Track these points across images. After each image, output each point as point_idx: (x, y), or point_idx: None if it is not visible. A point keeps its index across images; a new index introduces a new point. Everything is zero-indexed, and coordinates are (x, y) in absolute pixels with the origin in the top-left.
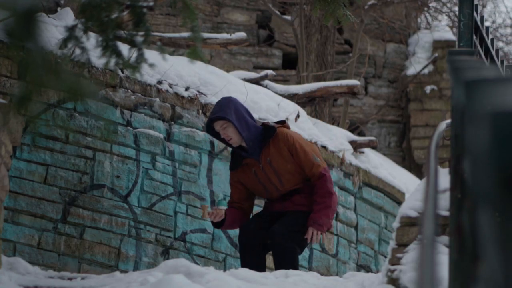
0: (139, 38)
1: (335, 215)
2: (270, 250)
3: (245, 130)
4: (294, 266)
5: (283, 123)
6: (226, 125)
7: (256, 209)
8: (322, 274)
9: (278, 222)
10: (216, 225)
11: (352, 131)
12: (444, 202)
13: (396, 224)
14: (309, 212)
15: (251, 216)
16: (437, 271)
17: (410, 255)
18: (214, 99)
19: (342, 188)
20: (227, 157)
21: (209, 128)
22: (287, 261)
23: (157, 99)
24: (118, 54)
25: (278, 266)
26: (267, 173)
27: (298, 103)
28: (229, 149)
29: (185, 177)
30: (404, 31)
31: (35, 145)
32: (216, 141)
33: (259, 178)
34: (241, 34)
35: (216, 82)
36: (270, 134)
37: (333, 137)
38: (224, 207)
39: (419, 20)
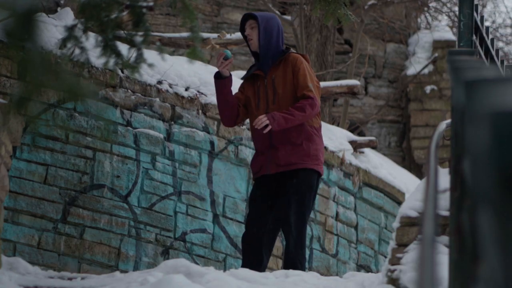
0: (138, 38)
1: (335, 215)
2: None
3: (265, 40)
4: (303, 246)
5: (288, 51)
6: (254, 26)
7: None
8: (322, 274)
9: (280, 205)
10: (219, 75)
11: (352, 131)
12: (444, 202)
13: (396, 224)
14: (300, 170)
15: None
16: (437, 271)
17: (410, 255)
18: (214, 99)
19: (342, 188)
20: (227, 157)
21: (242, 26)
22: (298, 254)
23: (157, 99)
24: (118, 54)
25: (287, 254)
26: (267, 89)
27: None
28: (229, 148)
29: (185, 177)
30: (404, 31)
31: (35, 145)
32: (216, 141)
33: (259, 91)
34: (241, 34)
35: None
36: (283, 53)
37: (333, 137)
38: (229, 56)
39: (419, 20)
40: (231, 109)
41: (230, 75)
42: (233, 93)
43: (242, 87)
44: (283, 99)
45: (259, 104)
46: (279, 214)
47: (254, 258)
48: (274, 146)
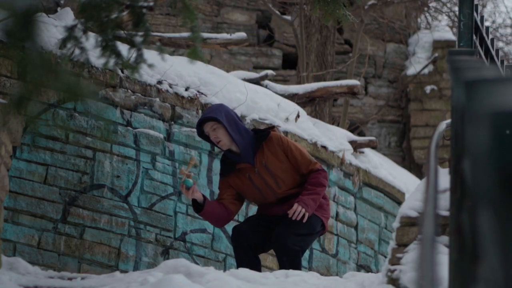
0: (138, 38)
1: (335, 215)
2: (264, 251)
3: (236, 133)
4: (299, 268)
5: (272, 128)
6: (216, 127)
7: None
8: (322, 274)
9: (282, 224)
10: (196, 206)
11: (352, 131)
12: (444, 202)
13: (396, 224)
14: (311, 215)
15: (240, 219)
16: (437, 271)
17: (410, 255)
18: (214, 99)
19: (342, 188)
20: None
21: (200, 132)
22: (294, 263)
23: (157, 99)
24: (118, 54)
25: (283, 267)
26: (263, 176)
27: (298, 103)
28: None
29: None
30: (404, 31)
31: (35, 145)
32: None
33: (254, 183)
34: (241, 34)
35: (216, 82)
36: (263, 137)
37: (333, 137)
38: (189, 185)
39: (419, 20)
40: (222, 220)
41: (204, 197)
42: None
43: (227, 184)
44: (287, 180)
45: (263, 194)
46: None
47: (247, 260)
48: (283, 206)
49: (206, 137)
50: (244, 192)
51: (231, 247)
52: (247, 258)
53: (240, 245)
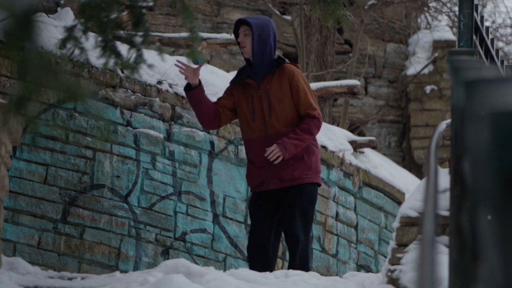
0: (138, 39)
1: (335, 215)
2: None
3: (259, 48)
4: (308, 258)
5: (294, 62)
6: (247, 33)
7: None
8: (322, 274)
9: (289, 215)
10: (188, 86)
11: (352, 131)
12: (444, 202)
13: (396, 224)
14: (299, 185)
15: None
16: (437, 271)
17: (410, 255)
18: (214, 99)
19: (342, 188)
20: (227, 157)
21: (236, 31)
22: (305, 266)
23: (157, 99)
24: (117, 54)
25: (293, 267)
26: (262, 100)
27: None
28: (229, 148)
29: (185, 177)
30: (404, 31)
31: (35, 145)
32: (216, 141)
33: (254, 102)
34: None
35: (216, 82)
36: (279, 64)
37: (333, 137)
38: (199, 62)
39: (419, 20)
40: (208, 116)
41: (200, 83)
42: (218, 96)
43: (230, 92)
44: (280, 113)
45: (255, 116)
46: (284, 228)
47: (263, 265)
48: (273, 166)
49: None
50: (240, 106)
51: (231, 247)
52: (261, 263)
53: (257, 254)
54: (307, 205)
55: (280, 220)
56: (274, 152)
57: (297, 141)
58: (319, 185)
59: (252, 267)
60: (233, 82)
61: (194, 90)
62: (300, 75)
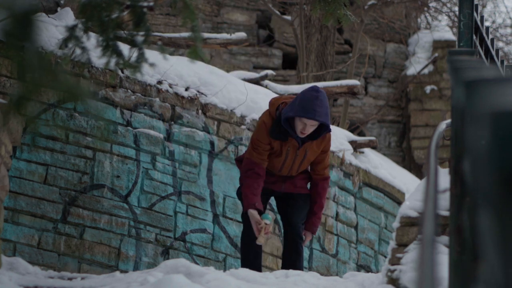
0: (139, 38)
1: (335, 215)
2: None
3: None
4: (302, 268)
5: (329, 131)
6: (314, 125)
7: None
8: (322, 274)
9: (293, 212)
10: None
11: (352, 131)
12: (444, 202)
13: (396, 224)
14: (308, 195)
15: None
16: (437, 271)
17: (410, 255)
18: (214, 99)
19: (342, 188)
20: (227, 157)
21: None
22: (300, 264)
23: (157, 99)
24: (119, 54)
25: (289, 266)
26: (297, 157)
27: None
28: (229, 148)
29: (185, 177)
30: (404, 31)
31: (35, 145)
32: (216, 141)
33: (288, 155)
34: (241, 34)
35: (216, 82)
36: (323, 133)
37: (333, 137)
38: (268, 221)
39: (419, 20)
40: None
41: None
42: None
43: (269, 145)
44: (304, 166)
45: (285, 163)
46: (291, 227)
47: (257, 261)
48: (288, 181)
49: (284, 122)
50: (273, 156)
51: (231, 247)
52: (256, 259)
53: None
54: (307, 206)
55: (286, 219)
56: (308, 240)
57: (321, 215)
58: None
59: (246, 264)
60: (272, 136)
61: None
62: (330, 143)
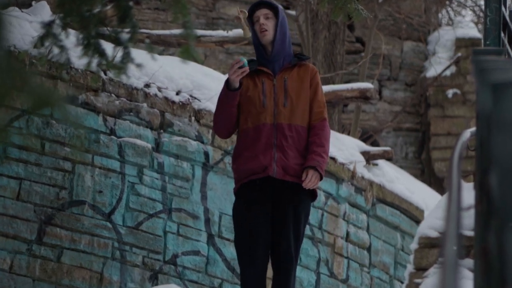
0: (124, 36)
1: (345, 235)
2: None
3: (281, 34)
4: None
5: (308, 58)
6: (270, 16)
7: None
8: None
9: (284, 235)
10: (231, 86)
11: (364, 140)
12: (468, 220)
13: (414, 245)
14: (305, 202)
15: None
16: None
17: (430, 280)
18: (208, 105)
19: (353, 205)
20: (223, 170)
21: (251, 12)
22: (291, 284)
23: (145, 105)
24: (101, 53)
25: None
26: (277, 89)
27: None
28: (226, 159)
29: (176, 192)
30: (423, 28)
31: (6, 156)
32: (211, 152)
33: (264, 88)
34: (239, 31)
35: (211, 85)
36: (302, 59)
37: (343, 148)
38: (245, 65)
39: (440, 15)
40: (232, 122)
41: (240, 85)
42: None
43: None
44: (296, 106)
45: (265, 103)
46: (277, 245)
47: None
48: (280, 147)
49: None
50: (248, 95)
51: (228, 271)
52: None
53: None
54: (302, 222)
55: (272, 234)
56: (312, 180)
57: (324, 155)
58: (315, 198)
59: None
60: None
61: (237, 91)
62: (318, 76)
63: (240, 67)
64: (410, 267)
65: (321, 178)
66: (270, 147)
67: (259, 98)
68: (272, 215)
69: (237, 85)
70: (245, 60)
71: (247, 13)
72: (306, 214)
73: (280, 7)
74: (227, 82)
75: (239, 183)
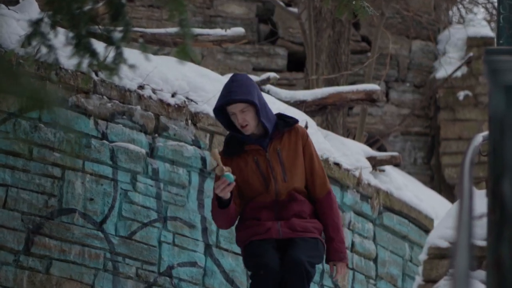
0: (117, 34)
1: (350, 246)
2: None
3: (265, 117)
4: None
5: (296, 120)
6: (247, 110)
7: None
8: None
9: (294, 248)
10: (222, 203)
11: (370, 145)
12: (481, 230)
13: (423, 256)
14: (316, 240)
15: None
16: None
17: None
18: (206, 107)
19: (358, 214)
20: None
21: (218, 110)
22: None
23: (138, 107)
24: (92, 53)
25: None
26: (272, 163)
27: (306, 112)
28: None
29: (172, 200)
30: (433, 26)
31: None
32: (208, 158)
33: (260, 167)
34: (239, 30)
35: (209, 87)
36: (289, 124)
37: (348, 153)
38: (232, 181)
39: (450, 13)
40: (234, 218)
41: (231, 195)
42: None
43: (229, 166)
44: (293, 176)
45: (267, 183)
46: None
47: None
48: (282, 218)
49: (222, 117)
50: (245, 177)
51: (226, 283)
52: None
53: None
54: (317, 256)
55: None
56: (343, 272)
57: (341, 234)
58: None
59: None
60: (228, 154)
61: (228, 206)
62: (311, 139)
63: (229, 184)
64: (419, 279)
65: (347, 262)
66: (270, 218)
67: (259, 180)
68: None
69: (227, 197)
70: (230, 176)
71: (217, 153)
72: (321, 253)
73: (252, 96)
74: (217, 197)
75: (242, 245)
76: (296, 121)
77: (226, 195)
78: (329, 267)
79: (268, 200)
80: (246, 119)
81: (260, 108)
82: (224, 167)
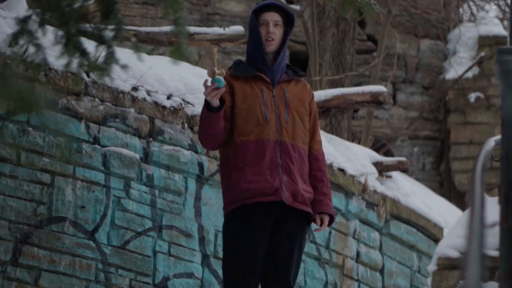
0: (108, 33)
1: (355, 256)
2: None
3: (284, 45)
4: None
5: (305, 75)
6: (279, 23)
7: None
8: None
9: (282, 267)
10: (213, 108)
11: (377, 150)
12: (493, 239)
13: (432, 266)
14: (305, 231)
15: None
16: None
17: None
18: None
19: (364, 222)
20: (220, 183)
21: (255, 16)
22: None
23: (132, 110)
24: (83, 52)
25: None
26: (277, 100)
27: None
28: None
29: (167, 207)
30: (442, 25)
31: None
32: (205, 163)
33: (265, 97)
34: (237, 28)
35: None
36: (300, 74)
37: (353, 158)
38: (221, 86)
39: (461, 10)
40: (221, 137)
41: (221, 102)
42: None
43: (228, 88)
44: (297, 125)
45: (268, 116)
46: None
47: None
48: (287, 169)
49: (254, 28)
50: (248, 102)
51: None
52: None
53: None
54: (302, 249)
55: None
56: (326, 224)
57: (330, 193)
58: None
59: None
60: (237, 73)
61: (217, 112)
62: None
63: (216, 88)
64: None
65: (334, 219)
66: (275, 167)
67: (261, 109)
68: (270, 239)
69: (217, 103)
70: (221, 79)
71: (216, 53)
72: (304, 242)
73: (294, 15)
74: (206, 102)
75: (240, 202)
76: (305, 74)
77: (214, 101)
78: (316, 219)
79: (269, 137)
80: (274, 32)
81: (286, 40)
82: (216, 70)
